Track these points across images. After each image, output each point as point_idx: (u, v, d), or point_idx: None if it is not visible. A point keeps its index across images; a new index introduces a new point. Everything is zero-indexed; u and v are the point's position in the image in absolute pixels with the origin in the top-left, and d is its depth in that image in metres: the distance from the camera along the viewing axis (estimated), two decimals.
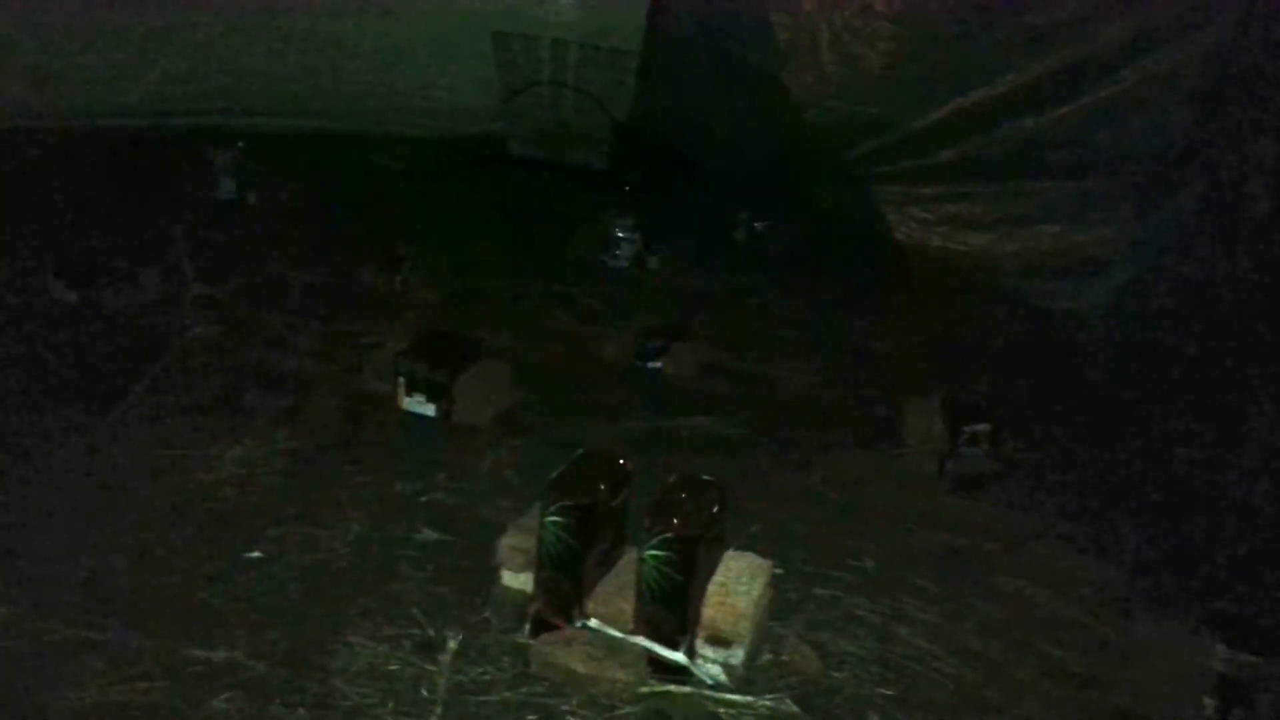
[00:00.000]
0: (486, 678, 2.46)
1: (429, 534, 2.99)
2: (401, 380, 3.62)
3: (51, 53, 5.66)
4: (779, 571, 2.77)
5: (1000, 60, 5.06)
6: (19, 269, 4.27)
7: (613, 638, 2.53)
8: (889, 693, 2.56)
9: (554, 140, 6.57)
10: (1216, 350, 4.50)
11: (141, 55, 5.88)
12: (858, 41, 5.30)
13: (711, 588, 2.54)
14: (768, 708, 2.44)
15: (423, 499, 3.16)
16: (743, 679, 2.51)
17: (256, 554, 2.82)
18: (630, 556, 2.62)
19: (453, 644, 2.51)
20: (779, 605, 2.77)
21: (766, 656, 2.62)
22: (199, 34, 5.96)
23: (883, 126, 5.38)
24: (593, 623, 2.56)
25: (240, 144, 5.53)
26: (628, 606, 2.52)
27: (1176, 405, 4.23)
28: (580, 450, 2.72)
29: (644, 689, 2.46)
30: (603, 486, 2.54)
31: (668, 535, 2.41)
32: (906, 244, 5.53)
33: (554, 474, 2.57)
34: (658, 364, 4.23)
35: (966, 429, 3.59)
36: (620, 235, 5.32)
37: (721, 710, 2.43)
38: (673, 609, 2.46)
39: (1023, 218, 5.28)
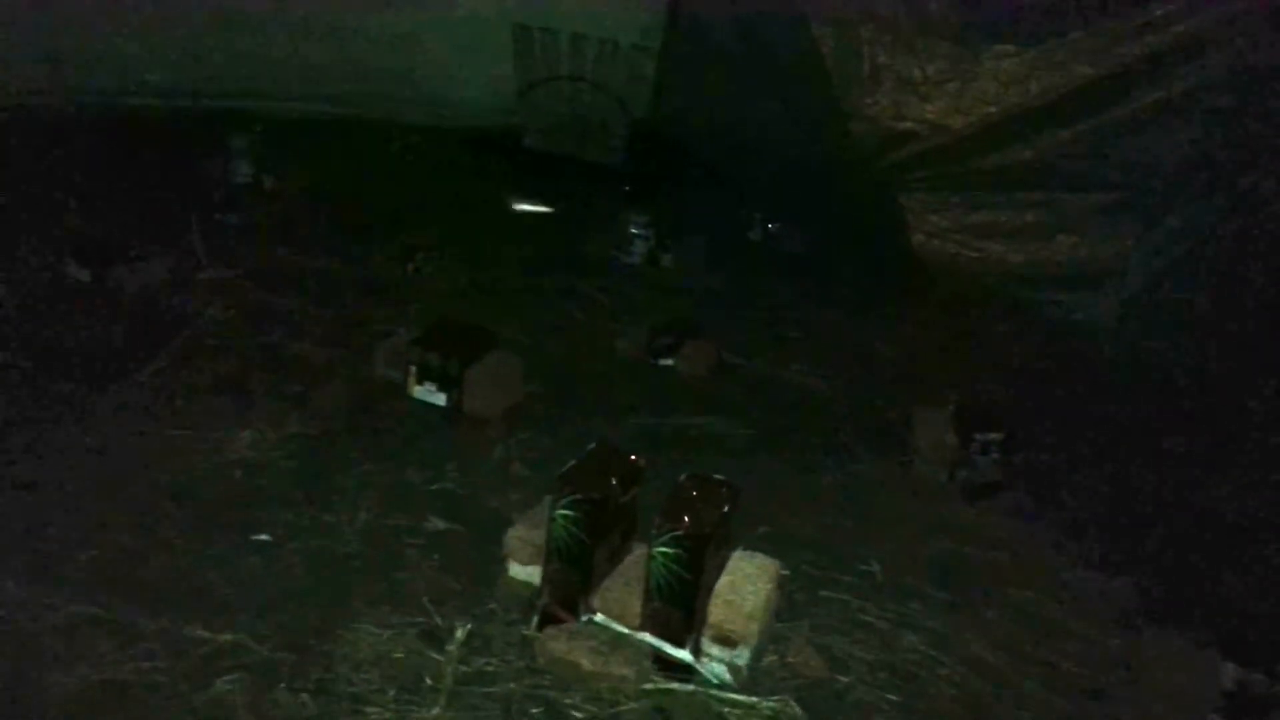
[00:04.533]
0: (491, 669, 2.45)
1: (437, 523, 2.98)
2: (413, 369, 3.62)
3: (69, 33, 5.66)
4: (786, 573, 2.76)
5: (1032, 73, 5.07)
6: (34, 247, 4.26)
7: (619, 633, 2.52)
8: (894, 698, 2.56)
9: (570, 135, 6.55)
10: (1224, 364, 4.51)
11: (160, 37, 5.89)
12: (895, 52, 5.32)
13: (719, 587, 2.53)
14: (772, 709, 2.44)
15: (432, 488, 3.16)
16: (747, 679, 2.50)
17: (264, 537, 2.82)
18: (639, 553, 2.61)
19: (459, 634, 2.50)
20: (786, 607, 2.77)
21: (772, 658, 2.61)
22: (220, 18, 5.96)
23: (909, 137, 5.38)
24: (599, 618, 2.55)
25: (258, 128, 5.54)
26: (635, 603, 2.52)
27: (1184, 419, 4.22)
28: (592, 444, 2.71)
29: (648, 685, 2.45)
30: (614, 481, 2.53)
31: (677, 533, 2.40)
32: (922, 250, 5.51)
33: (566, 467, 2.56)
34: (669, 361, 4.22)
35: (979, 437, 3.57)
36: (634, 232, 5.31)
37: (725, 710, 2.42)
38: (680, 607, 2.45)
39: (1039, 228, 5.27)
